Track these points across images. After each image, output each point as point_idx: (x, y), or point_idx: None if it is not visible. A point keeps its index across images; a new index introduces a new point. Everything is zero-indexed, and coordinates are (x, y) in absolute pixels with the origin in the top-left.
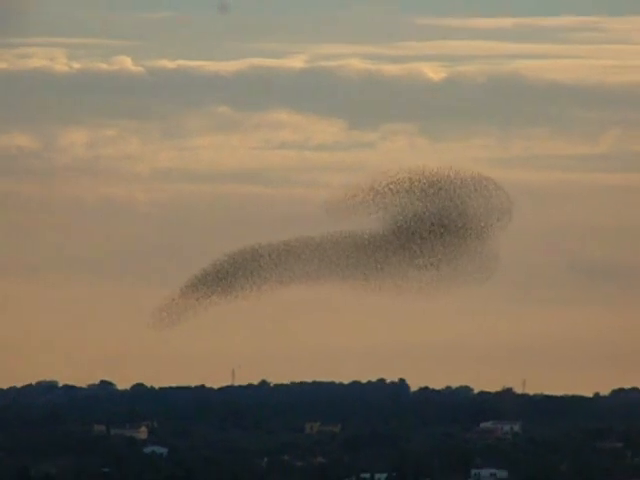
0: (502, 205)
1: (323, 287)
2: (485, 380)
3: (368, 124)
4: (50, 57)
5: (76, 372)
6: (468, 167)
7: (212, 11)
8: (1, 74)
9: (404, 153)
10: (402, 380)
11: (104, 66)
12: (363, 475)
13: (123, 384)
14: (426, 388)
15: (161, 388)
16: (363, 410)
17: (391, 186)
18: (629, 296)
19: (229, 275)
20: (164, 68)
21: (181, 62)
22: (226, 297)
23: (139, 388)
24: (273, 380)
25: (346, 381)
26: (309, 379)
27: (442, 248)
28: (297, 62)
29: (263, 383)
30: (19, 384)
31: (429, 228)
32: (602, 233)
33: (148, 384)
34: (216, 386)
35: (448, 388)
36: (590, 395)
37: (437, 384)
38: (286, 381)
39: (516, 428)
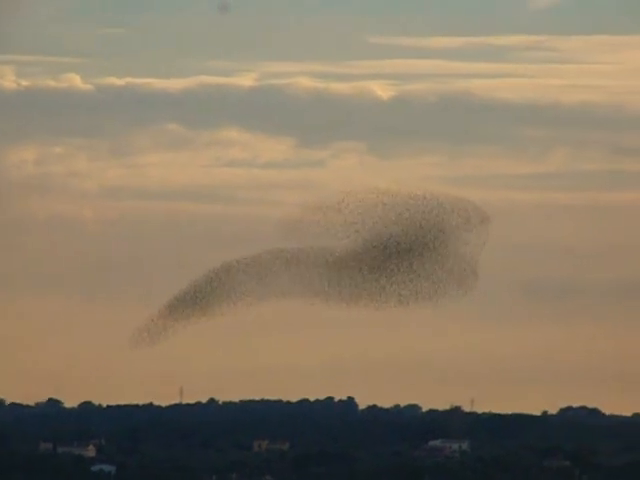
0: (480, 222)
1: (277, 304)
2: (433, 398)
3: (317, 142)
4: None
5: (23, 390)
6: (422, 186)
7: (161, 28)
8: None
9: (354, 171)
10: (351, 398)
11: (52, 83)
12: None
13: (71, 402)
14: (374, 406)
15: (109, 406)
16: (312, 428)
17: (360, 210)
18: (577, 315)
19: (207, 294)
20: (113, 85)
21: (130, 79)
22: (204, 316)
23: (87, 406)
24: (221, 398)
25: (294, 399)
26: (257, 397)
27: (421, 265)
28: (246, 80)
29: (211, 401)
30: None
31: (407, 247)
32: (551, 252)
33: (96, 402)
34: (164, 404)
35: (396, 406)
36: (538, 414)
37: (385, 402)
38: (234, 399)
39: (464, 446)
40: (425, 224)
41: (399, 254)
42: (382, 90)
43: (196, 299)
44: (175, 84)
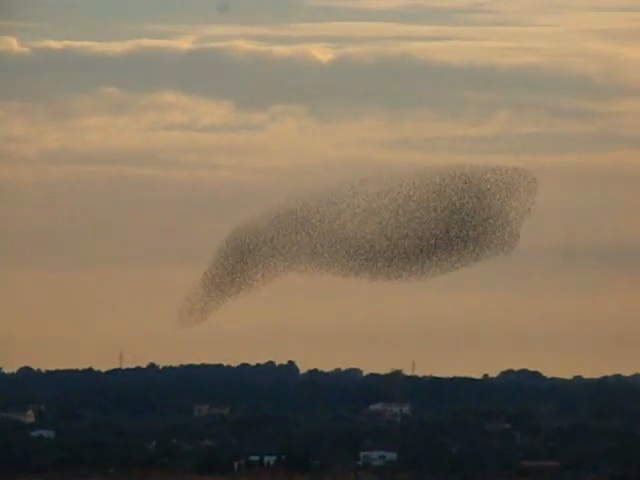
0: (526, 187)
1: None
2: (374, 362)
3: (257, 106)
4: None
5: None
6: (363, 148)
7: None
8: None
9: (293, 135)
10: (291, 362)
11: None
12: (252, 458)
13: (9, 367)
14: (315, 370)
15: (48, 371)
16: (252, 393)
17: (386, 196)
18: (515, 278)
19: (237, 267)
20: (50, 49)
21: (67, 43)
22: (241, 289)
23: (26, 371)
24: (161, 363)
25: (235, 364)
26: (197, 362)
27: (462, 241)
28: (184, 43)
29: (151, 366)
30: None
31: (445, 233)
32: None
33: (35, 367)
34: (104, 369)
35: (337, 370)
36: (479, 377)
37: (326, 366)
38: (174, 364)
39: (405, 410)
40: (465, 201)
41: (436, 246)
42: (321, 53)
43: (230, 273)
44: (113, 47)
